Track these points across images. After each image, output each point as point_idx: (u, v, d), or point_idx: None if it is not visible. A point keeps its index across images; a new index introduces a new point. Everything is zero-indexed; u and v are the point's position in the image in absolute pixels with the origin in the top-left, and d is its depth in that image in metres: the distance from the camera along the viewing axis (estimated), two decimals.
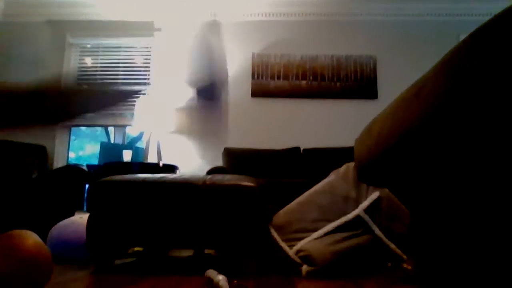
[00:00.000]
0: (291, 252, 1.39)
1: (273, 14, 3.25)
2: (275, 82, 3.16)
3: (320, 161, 2.70)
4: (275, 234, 1.44)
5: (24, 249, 0.68)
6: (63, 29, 3.30)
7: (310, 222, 1.46)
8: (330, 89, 3.16)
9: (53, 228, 1.81)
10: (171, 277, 1.28)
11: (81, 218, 1.77)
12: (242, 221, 1.43)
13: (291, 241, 1.43)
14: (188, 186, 1.54)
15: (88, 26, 3.31)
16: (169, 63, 3.21)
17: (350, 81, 3.17)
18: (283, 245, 1.41)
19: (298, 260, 1.36)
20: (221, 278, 1.03)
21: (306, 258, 1.32)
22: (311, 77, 3.17)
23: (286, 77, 3.17)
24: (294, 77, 3.17)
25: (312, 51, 3.20)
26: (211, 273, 1.10)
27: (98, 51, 3.38)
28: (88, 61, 3.39)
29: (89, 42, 3.38)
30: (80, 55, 3.39)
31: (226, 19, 3.27)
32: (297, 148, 2.83)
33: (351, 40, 3.24)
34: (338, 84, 3.17)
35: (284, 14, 3.25)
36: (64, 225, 1.78)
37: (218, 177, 1.54)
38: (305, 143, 2.88)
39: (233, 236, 1.40)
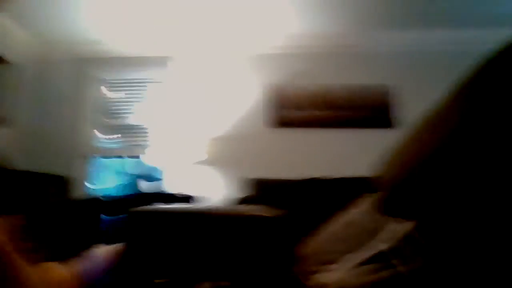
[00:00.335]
0: (320, 283, 1.37)
1: (288, 47, 3.34)
2: (291, 112, 3.21)
3: (337, 191, 2.68)
4: (297, 265, 1.43)
5: (61, 282, 0.70)
6: (86, 65, 3.43)
7: (333, 253, 1.45)
8: (344, 119, 3.19)
9: (77, 258, 1.82)
10: None
11: (106, 247, 1.78)
12: (260, 252, 1.42)
13: (314, 273, 1.42)
14: (207, 216, 1.56)
15: (109, 61, 3.44)
16: (184, 95, 3.29)
17: (364, 111, 3.21)
18: (312, 276, 1.40)
19: None
20: None
21: None
22: (326, 107, 3.21)
23: (301, 108, 3.22)
24: (309, 107, 3.22)
25: (327, 81, 3.26)
26: None
27: (118, 85, 3.49)
28: (110, 94, 3.50)
29: (111, 76, 3.50)
30: (102, 89, 3.50)
31: (242, 52, 3.36)
32: (324, 178, 2.79)
33: (365, 70, 3.30)
34: (352, 113, 3.21)
35: (299, 47, 3.34)
36: (89, 255, 1.79)
37: (238, 208, 1.56)
38: (321, 173, 2.86)
39: (252, 267, 1.39)
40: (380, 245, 1.38)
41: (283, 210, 1.49)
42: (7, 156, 3.08)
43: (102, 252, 1.77)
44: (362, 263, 1.34)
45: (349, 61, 3.33)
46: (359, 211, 1.52)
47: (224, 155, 3.18)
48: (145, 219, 1.64)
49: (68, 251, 2.11)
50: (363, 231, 1.44)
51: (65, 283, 0.68)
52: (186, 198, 2.76)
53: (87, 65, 3.44)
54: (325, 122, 3.22)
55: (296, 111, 3.23)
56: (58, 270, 0.70)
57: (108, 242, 1.87)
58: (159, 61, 3.36)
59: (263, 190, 2.67)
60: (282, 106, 3.24)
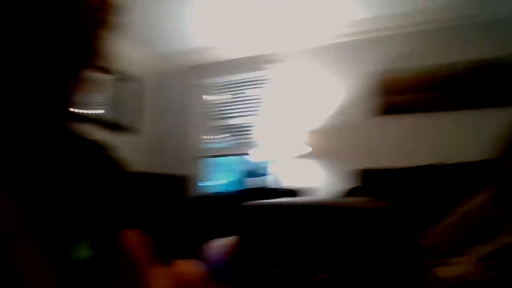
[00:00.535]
0: (440, 276, 1.30)
1: (397, 27, 3.13)
2: (404, 98, 3.01)
3: (464, 177, 2.44)
4: (420, 257, 1.37)
5: (195, 280, 0.74)
6: (196, 73, 3.72)
7: (453, 246, 1.35)
8: (466, 99, 2.88)
9: (200, 250, 2.00)
10: None
11: (221, 241, 1.93)
12: (374, 244, 1.39)
13: (434, 266, 1.34)
14: (318, 208, 1.57)
15: (215, 67, 3.66)
16: (292, 91, 3.33)
17: (479, 89, 2.84)
18: (432, 269, 1.33)
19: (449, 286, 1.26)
20: None
21: (458, 283, 1.22)
22: (444, 88, 2.92)
23: (416, 91, 2.99)
24: (425, 90, 2.97)
25: (444, 59, 2.94)
26: None
27: (225, 88, 3.72)
28: (219, 98, 3.74)
29: (218, 81, 3.74)
30: (211, 94, 3.77)
31: (346, 39, 3.27)
32: (442, 164, 2.58)
33: (478, 42, 2.92)
34: (465, 93, 2.88)
35: (409, 25, 3.09)
36: (209, 247, 1.96)
37: (349, 199, 1.55)
38: (447, 159, 2.63)
39: (364, 260, 1.37)
40: (505, 238, 1.25)
41: (393, 200, 1.44)
42: (133, 160, 3.53)
43: (219, 245, 1.92)
44: (484, 258, 1.23)
45: (472, 33, 2.96)
46: (479, 201, 1.39)
47: (329, 147, 3.15)
48: (256, 212, 1.72)
49: (187, 246, 2.33)
50: (485, 223, 1.31)
51: (194, 280, 0.74)
52: (292, 192, 2.82)
53: (196, 72, 3.72)
54: (434, 105, 2.93)
55: (402, 96, 3.01)
56: (186, 268, 0.76)
57: (223, 235, 2.02)
58: (264, 61, 3.46)
59: (371, 181, 2.58)
60: (387, 92, 3.05)
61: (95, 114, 3.30)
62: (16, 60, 0.48)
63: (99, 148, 0.70)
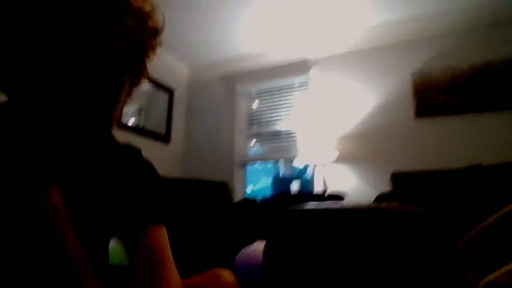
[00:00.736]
0: (479, 285, 1.23)
1: (430, 28, 3.05)
2: (441, 99, 2.90)
3: (501, 179, 2.30)
4: (458, 264, 1.31)
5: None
6: (233, 81, 3.80)
7: (502, 251, 1.28)
8: (503, 99, 2.72)
9: (238, 254, 2.04)
10: None
11: (259, 245, 1.95)
12: (411, 250, 1.35)
13: (480, 273, 1.28)
14: (352, 212, 1.55)
15: (252, 74, 3.73)
16: (326, 96, 3.32)
17: None
18: (470, 277, 1.27)
19: None
20: None
21: None
22: (482, 88, 2.79)
23: (453, 92, 2.88)
24: (463, 90, 2.85)
25: (482, 58, 2.84)
26: None
27: (262, 95, 3.76)
28: (255, 104, 3.80)
29: (254, 88, 3.79)
30: (248, 101, 3.83)
31: (380, 43, 3.22)
32: (478, 166, 2.47)
33: None
34: (505, 92, 2.71)
35: (443, 25, 3.00)
36: (247, 252, 1.99)
37: (383, 204, 1.51)
38: (484, 161, 2.51)
39: (402, 266, 1.33)
40: None
41: (425, 205, 1.39)
42: (173, 168, 3.66)
43: (256, 250, 1.94)
44: None
45: (494, 34, 2.83)
46: None
47: (361, 151, 3.10)
48: (292, 218, 1.73)
49: (227, 251, 2.38)
50: None
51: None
52: (336, 197, 2.79)
53: (234, 80, 3.81)
54: (469, 106, 2.80)
55: (437, 98, 2.90)
56: (225, 275, 0.78)
57: (261, 240, 2.05)
58: (300, 67, 3.48)
59: (403, 185, 2.50)
60: (421, 94, 2.96)
61: (136, 123, 3.47)
62: (76, 66, 0.52)
63: (135, 153, 0.75)
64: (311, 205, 1.88)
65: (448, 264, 1.31)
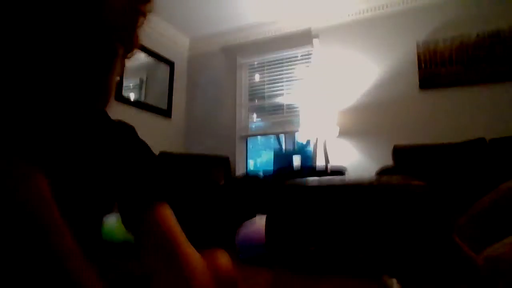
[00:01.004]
0: (478, 258, 1.24)
1: None
2: (446, 70, 2.84)
3: (510, 153, 2.28)
4: (457, 238, 1.31)
5: (228, 271, 0.75)
6: (234, 53, 3.73)
7: (501, 225, 1.27)
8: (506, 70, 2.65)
9: (239, 229, 2.05)
10: (347, 279, 1.30)
11: (261, 220, 1.96)
12: (412, 224, 1.35)
13: (479, 247, 1.28)
14: (355, 188, 1.55)
15: (253, 46, 3.65)
16: (329, 68, 3.26)
17: None
18: (468, 250, 1.27)
19: (486, 268, 1.20)
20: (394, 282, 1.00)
21: (496, 266, 1.15)
22: (492, 58, 2.72)
23: (459, 62, 2.80)
24: (469, 61, 2.78)
25: (490, 26, 2.75)
26: (388, 280, 1.07)
27: (263, 67, 3.69)
28: (256, 77, 3.74)
29: (256, 60, 3.72)
30: (249, 73, 3.77)
31: (382, 11, 3.13)
32: (481, 140, 2.45)
33: None
34: None
35: None
36: (248, 226, 2.00)
37: (385, 178, 1.50)
38: (488, 135, 2.48)
39: (402, 240, 1.34)
40: None
41: (427, 179, 1.38)
42: (172, 142, 3.65)
43: (258, 223, 1.96)
44: None
45: (506, 0, 2.73)
46: None
47: (364, 125, 3.07)
48: (294, 192, 1.73)
49: (231, 224, 2.40)
50: None
51: (228, 269, 0.74)
52: (337, 172, 2.78)
53: (235, 52, 3.73)
54: (481, 77, 2.73)
55: (447, 69, 2.83)
56: (221, 257, 0.77)
57: (263, 214, 2.06)
58: (303, 38, 3.41)
59: (405, 159, 2.48)
60: (425, 65, 2.89)
61: (137, 97, 3.43)
62: (61, 40, 0.49)
63: (129, 130, 0.73)
64: (313, 180, 1.88)
65: (447, 238, 1.31)
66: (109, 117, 0.69)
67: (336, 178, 1.97)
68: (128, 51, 0.61)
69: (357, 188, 1.55)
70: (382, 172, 2.34)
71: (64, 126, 0.55)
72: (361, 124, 3.08)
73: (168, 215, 0.67)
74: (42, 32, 0.48)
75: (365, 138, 3.06)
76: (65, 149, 0.58)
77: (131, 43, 0.61)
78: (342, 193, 1.56)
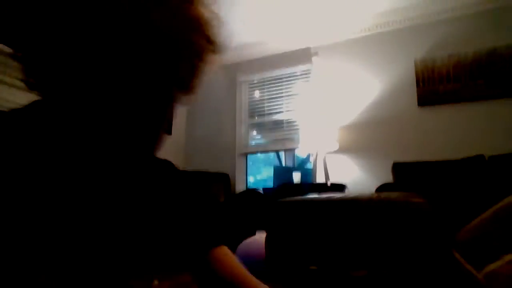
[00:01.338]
0: (479, 275, 1.23)
1: (433, 14, 3.00)
2: (444, 87, 2.87)
3: (509, 169, 2.29)
4: (457, 255, 1.30)
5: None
6: (234, 70, 3.77)
7: (501, 240, 1.27)
8: (508, 86, 2.67)
9: (239, 246, 2.04)
10: None
11: (261, 236, 1.95)
12: (412, 241, 1.35)
13: (479, 263, 1.27)
14: (353, 203, 1.55)
15: (253, 63, 3.71)
16: (329, 85, 3.30)
17: None
18: (469, 267, 1.26)
19: (486, 285, 1.19)
20: None
21: (496, 283, 1.15)
22: (489, 75, 2.76)
23: (457, 79, 2.84)
24: (467, 78, 2.81)
25: (488, 44, 2.79)
26: None
27: (263, 84, 3.73)
28: (256, 94, 3.77)
29: (256, 77, 3.76)
30: (249, 90, 3.80)
31: (380, 30, 3.18)
32: (481, 156, 2.47)
33: None
34: None
35: (447, 11, 2.95)
36: (248, 243, 1.99)
37: (384, 194, 1.50)
38: (486, 151, 2.50)
39: (402, 256, 1.33)
40: None
41: (427, 195, 1.38)
42: (173, 159, 3.64)
43: (257, 241, 1.95)
44: None
45: (498, 19, 2.79)
46: None
47: (364, 141, 3.09)
48: (292, 208, 1.72)
49: (231, 240, 2.38)
50: None
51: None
52: (338, 187, 2.78)
53: (235, 69, 3.78)
54: (474, 94, 2.76)
55: (444, 86, 2.86)
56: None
57: (262, 231, 2.05)
58: (302, 56, 3.45)
59: (404, 175, 2.49)
60: (424, 82, 2.93)
61: None
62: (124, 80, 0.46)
63: (176, 173, 0.72)
64: (312, 195, 1.87)
65: (448, 255, 1.31)
66: (156, 162, 0.68)
67: (335, 194, 1.96)
68: (184, 97, 0.59)
69: (357, 204, 1.55)
70: (382, 188, 2.34)
71: (111, 175, 0.55)
72: (361, 140, 3.10)
73: (229, 255, 0.69)
74: (103, 69, 0.46)
75: (365, 154, 3.07)
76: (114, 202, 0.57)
77: (190, 91, 0.59)
78: (341, 209, 1.56)
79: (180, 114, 3.88)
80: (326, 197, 1.77)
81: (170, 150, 3.71)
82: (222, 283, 0.64)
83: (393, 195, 1.49)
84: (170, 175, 0.70)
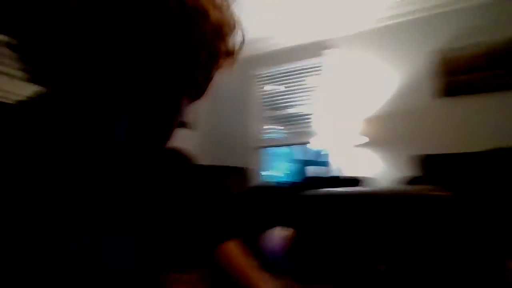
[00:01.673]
0: None
1: (452, 3, 2.90)
2: (465, 77, 2.79)
3: None
4: (494, 248, 1.26)
5: None
6: (249, 64, 3.73)
7: None
8: None
9: (259, 239, 2.02)
10: None
11: (281, 230, 1.93)
12: (439, 236, 1.31)
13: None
14: (377, 197, 1.51)
15: (266, 57, 3.66)
16: (343, 79, 3.24)
17: None
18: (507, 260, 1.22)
19: None
20: None
21: None
22: (509, 65, 2.65)
23: (477, 69, 2.76)
24: (488, 68, 2.73)
25: (509, 33, 2.69)
26: None
27: (279, 77, 3.69)
28: (273, 88, 3.74)
29: (272, 70, 3.72)
30: (265, 84, 3.78)
31: (399, 20, 3.11)
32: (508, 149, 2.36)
33: None
34: None
35: (467, 0, 2.86)
36: (268, 236, 1.97)
37: (410, 188, 1.47)
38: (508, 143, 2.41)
39: (427, 252, 1.29)
40: None
41: (456, 189, 1.34)
42: (194, 154, 3.64)
43: (278, 235, 1.93)
44: None
45: None
46: None
47: (387, 134, 3.03)
48: (315, 202, 1.70)
49: (246, 237, 2.36)
50: None
51: None
52: (354, 181, 2.74)
53: (250, 63, 3.73)
54: (498, 84, 2.66)
55: (463, 76, 2.78)
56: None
57: (282, 226, 2.02)
58: (316, 48, 3.39)
59: (432, 168, 2.42)
60: (447, 72, 2.84)
61: None
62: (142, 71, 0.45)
63: (187, 163, 0.72)
64: (333, 189, 1.84)
65: (485, 251, 1.27)
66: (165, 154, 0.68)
67: (356, 188, 1.93)
68: (194, 101, 0.58)
69: (380, 198, 1.52)
70: (407, 182, 2.29)
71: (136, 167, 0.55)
72: (381, 133, 3.04)
73: (236, 249, 0.69)
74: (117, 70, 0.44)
75: (386, 147, 3.02)
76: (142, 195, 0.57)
77: (201, 93, 0.58)
78: (363, 203, 1.53)
79: (199, 110, 3.85)
80: (350, 191, 1.74)
81: (189, 145, 3.70)
82: (227, 277, 0.65)
83: (419, 188, 1.45)
84: (182, 168, 0.70)
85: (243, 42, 0.58)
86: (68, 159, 0.48)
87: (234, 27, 0.55)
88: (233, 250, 0.68)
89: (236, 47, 0.57)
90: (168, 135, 0.54)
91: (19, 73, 0.48)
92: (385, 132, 3.03)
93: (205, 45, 0.48)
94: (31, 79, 0.47)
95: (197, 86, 0.54)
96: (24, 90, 0.51)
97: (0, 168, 0.44)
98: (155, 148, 0.53)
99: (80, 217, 0.49)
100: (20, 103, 0.52)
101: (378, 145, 3.04)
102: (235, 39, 0.56)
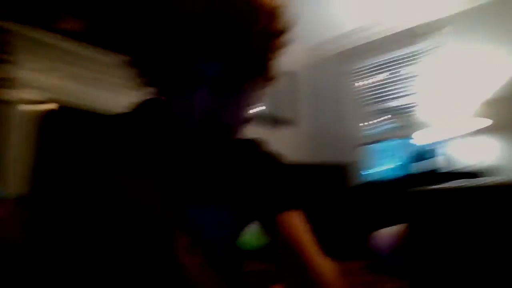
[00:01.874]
0: None
1: None
2: None
3: None
4: None
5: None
6: (347, 58, 3.65)
7: None
8: None
9: (370, 237, 1.97)
10: None
11: (392, 228, 1.86)
12: None
13: None
14: (498, 190, 1.37)
15: (356, 50, 3.54)
16: (457, 62, 2.95)
17: None
18: None
19: None
20: None
21: None
22: None
23: None
24: None
25: None
26: None
27: (380, 69, 3.53)
28: (374, 81, 3.59)
29: (372, 62, 3.58)
30: (365, 77, 3.64)
31: None
32: None
33: None
34: None
35: None
36: (378, 235, 1.91)
37: None
38: None
39: None
40: None
41: None
42: (293, 152, 3.67)
43: (387, 234, 1.86)
44: None
45: None
46: None
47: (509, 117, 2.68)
48: (426, 198, 1.61)
49: (353, 236, 2.31)
50: None
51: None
52: (469, 174, 2.50)
53: (348, 57, 3.64)
54: None
55: None
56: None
57: (390, 224, 1.94)
58: (414, 34, 3.17)
59: None
60: None
61: (255, 110, 3.55)
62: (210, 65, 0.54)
63: (256, 145, 0.77)
64: (447, 184, 1.72)
65: None
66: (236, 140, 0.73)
67: (476, 181, 1.77)
68: (261, 85, 0.63)
69: (502, 190, 1.37)
70: None
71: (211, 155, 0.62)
72: (500, 120, 2.70)
73: (297, 223, 0.68)
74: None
75: (504, 136, 2.68)
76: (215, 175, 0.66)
77: (265, 78, 0.63)
78: (483, 197, 1.39)
79: (294, 107, 3.88)
80: (465, 185, 1.61)
81: (287, 143, 3.74)
82: (286, 246, 0.66)
83: None
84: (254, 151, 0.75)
85: (293, 21, 0.60)
86: (178, 149, 0.59)
87: (283, 7, 0.58)
88: (295, 220, 0.68)
89: (288, 28, 0.60)
90: (240, 117, 0.60)
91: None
92: (507, 115, 2.68)
93: (258, 25, 0.53)
94: (147, 83, 0.58)
95: (258, 66, 0.58)
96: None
97: (145, 156, 0.58)
98: (229, 131, 0.60)
99: (192, 192, 0.60)
100: (137, 107, 0.66)
101: (500, 130, 2.70)
102: (286, 19, 0.59)
